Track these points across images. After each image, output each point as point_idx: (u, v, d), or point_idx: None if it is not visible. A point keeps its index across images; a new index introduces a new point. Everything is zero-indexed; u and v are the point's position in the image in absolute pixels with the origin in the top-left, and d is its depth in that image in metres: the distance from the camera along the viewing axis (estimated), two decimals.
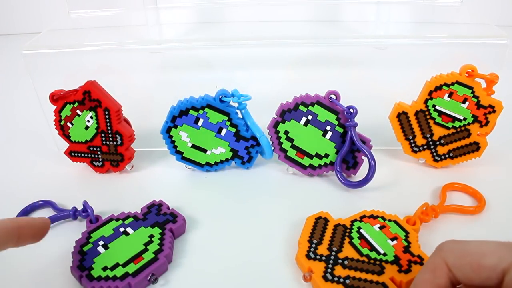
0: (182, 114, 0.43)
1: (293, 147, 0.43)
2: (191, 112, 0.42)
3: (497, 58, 0.42)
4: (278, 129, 0.43)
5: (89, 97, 0.42)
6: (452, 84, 0.41)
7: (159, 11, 0.69)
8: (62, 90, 0.44)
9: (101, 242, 0.35)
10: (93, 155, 0.45)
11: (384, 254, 0.33)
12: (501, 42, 0.42)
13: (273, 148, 0.44)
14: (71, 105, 0.43)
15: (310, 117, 0.42)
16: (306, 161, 0.44)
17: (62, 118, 0.44)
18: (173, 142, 0.44)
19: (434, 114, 0.42)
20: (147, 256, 0.34)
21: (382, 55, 0.57)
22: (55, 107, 0.44)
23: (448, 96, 0.41)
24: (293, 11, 0.78)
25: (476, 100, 0.41)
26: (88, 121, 0.43)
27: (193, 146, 0.44)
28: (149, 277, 0.32)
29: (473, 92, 0.40)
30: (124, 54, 0.48)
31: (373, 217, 0.37)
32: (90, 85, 0.42)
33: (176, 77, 0.63)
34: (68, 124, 0.44)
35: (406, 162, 0.46)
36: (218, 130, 0.43)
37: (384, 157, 0.46)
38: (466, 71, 0.40)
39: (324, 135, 0.43)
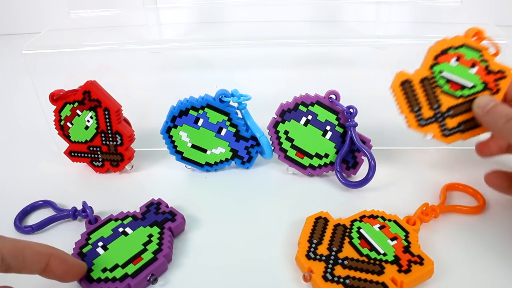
0: (182, 114, 0.43)
1: (293, 147, 0.43)
2: (191, 112, 0.42)
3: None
4: (278, 129, 0.43)
5: (89, 97, 0.42)
6: (460, 47, 0.38)
7: (159, 11, 0.69)
8: (62, 90, 0.44)
9: (100, 243, 0.35)
10: (93, 155, 0.45)
11: (384, 254, 0.33)
12: (501, 42, 0.42)
13: (273, 148, 0.44)
14: (71, 105, 0.43)
15: (310, 117, 0.42)
16: (306, 161, 0.43)
17: (62, 118, 0.44)
18: (173, 142, 0.44)
19: (441, 82, 0.38)
20: (146, 256, 0.33)
21: (382, 55, 0.57)
22: (55, 107, 0.44)
23: (456, 60, 0.38)
24: (293, 11, 0.78)
25: (485, 65, 0.37)
26: (88, 121, 0.43)
27: (193, 146, 0.44)
28: (148, 278, 0.32)
29: (481, 56, 0.37)
30: (124, 54, 0.48)
31: (373, 217, 0.37)
32: (90, 85, 0.42)
33: (176, 77, 0.63)
34: (68, 124, 0.44)
35: (406, 162, 0.46)
36: (218, 130, 0.43)
37: (384, 157, 0.46)
38: (472, 34, 0.38)
39: (324, 135, 0.43)
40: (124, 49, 0.45)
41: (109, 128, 0.43)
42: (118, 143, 0.44)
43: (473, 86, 0.38)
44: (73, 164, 0.46)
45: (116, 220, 0.37)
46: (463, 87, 0.38)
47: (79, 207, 0.39)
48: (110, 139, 0.44)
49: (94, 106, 0.43)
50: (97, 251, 0.34)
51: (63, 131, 0.45)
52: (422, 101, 0.39)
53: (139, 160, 0.47)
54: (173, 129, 0.43)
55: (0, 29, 0.88)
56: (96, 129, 0.44)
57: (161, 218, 0.37)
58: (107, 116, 0.43)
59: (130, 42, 0.46)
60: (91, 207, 0.38)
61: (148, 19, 0.68)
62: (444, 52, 0.38)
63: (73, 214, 0.39)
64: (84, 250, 0.34)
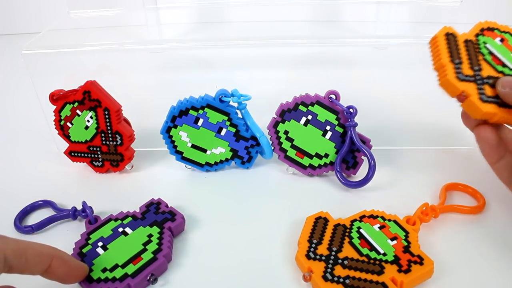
0: (182, 114, 0.43)
1: (293, 147, 0.43)
2: (191, 112, 0.42)
3: None
4: (278, 129, 0.43)
5: (89, 97, 0.42)
6: (505, 32, 0.37)
7: (159, 11, 0.69)
8: (62, 90, 0.44)
9: (100, 243, 0.35)
10: (93, 155, 0.45)
11: (384, 254, 0.33)
12: None
13: (273, 148, 0.44)
14: (71, 105, 0.43)
15: (310, 117, 0.42)
16: (306, 161, 0.43)
17: (62, 118, 0.44)
18: (173, 142, 0.44)
19: (484, 51, 0.37)
20: (146, 256, 0.33)
21: (382, 55, 0.57)
22: (55, 107, 0.44)
23: (500, 41, 0.37)
24: (293, 11, 0.78)
25: None
26: (88, 121, 0.43)
27: (193, 146, 0.44)
28: (148, 277, 0.32)
29: None
30: (124, 54, 0.48)
31: (373, 217, 0.37)
32: (90, 85, 0.42)
33: (176, 77, 0.63)
34: (68, 124, 0.44)
35: (406, 162, 0.46)
36: (218, 130, 0.43)
37: (384, 157, 0.46)
38: None
39: (324, 135, 0.43)
40: (124, 49, 0.45)
41: (109, 128, 0.43)
42: (118, 143, 0.44)
43: None
44: (73, 164, 0.46)
45: (116, 220, 0.37)
46: (504, 65, 0.36)
47: (79, 207, 0.39)
48: (110, 139, 0.44)
49: (94, 106, 0.43)
50: (97, 251, 0.34)
51: (63, 131, 0.45)
52: (464, 58, 0.36)
53: (139, 160, 0.47)
54: (173, 129, 0.43)
55: (0, 29, 0.88)
56: (96, 129, 0.44)
57: (161, 218, 0.37)
58: (107, 116, 0.43)
59: (130, 42, 0.46)
60: (91, 207, 0.38)
61: (148, 19, 0.68)
62: (491, 29, 0.37)
63: (73, 214, 0.39)
64: (84, 250, 0.34)
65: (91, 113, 0.43)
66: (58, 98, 0.44)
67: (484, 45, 0.37)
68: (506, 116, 0.35)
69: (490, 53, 0.37)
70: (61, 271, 0.30)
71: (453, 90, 0.35)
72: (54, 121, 0.45)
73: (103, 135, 0.44)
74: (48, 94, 0.43)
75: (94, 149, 0.45)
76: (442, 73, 0.36)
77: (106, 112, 0.42)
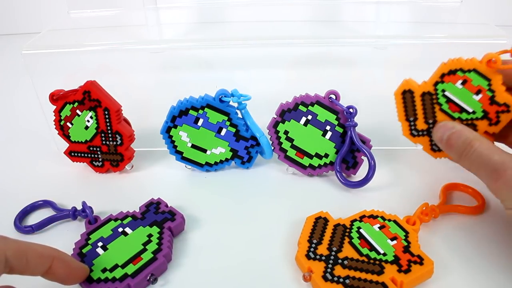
0: (182, 114, 0.43)
1: (293, 147, 0.43)
2: (191, 112, 0.42)
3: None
4: (278, 129, 0.43)
5: (89, 97, 0.42)
6: (469, 71, 0.36)
7: (159, 11, 0.69)
8: (62, 90, 0.44)
9: (100, 243, 0.35)
10: (93, 155, 0.45)
11: (384, 254, 0.33)
12: (501, 42, 0.42)
13: (273, 148, 0.44)
14: (71, 105, 0.43)
15: (310, 117, 0.42)
16: (306, 161, 0.43)
17: (62, 118, 0.44)
18: (173, 142, 0.44)
19: (442, 100, 0.37)
20: (146, 256, 0.33)
21: (382, 55, 0.57)
22: (55, 107, 0.44)
23: (461, 84, 0.36)
24: (293, 11, 0.78)
25: (491, 94, 0.36)
26: (88, 121, 0.43)
27: (193, 146, 0.44)
28: (148, 277, 0.32)
29: (489, 85, 0.36)
30: (124, 54, 0.48)
31: (373, 217, 0.37)
32: (90, 85, 0.42)
33: (176, 77, 0.63)
34: (68, 124, 0.44)
35: (406, 162, 0.46)
36: (218, 130, 0.43)
37: (384, 157, 0.46)
38: (487, 60, 0.35)
39: (324, 135, 0.43)
40: (124, 49, 0.46)
41: (109, 128, 0.43)
42: (118, 143, 0.44)
43: (473, 112, 0.37)
44: (73, 164, 0.46)
45: (115, 220, 0.37)
46: (462, 110, 0.37)
47: (79, 207, 0.39)
48: (110, 139, 0.44)
49: (94, 106, 0.43)
50: (97, 251, 0.34)
51: (63, 131, 0.45)
52: (419, 113, 0.39)
53: (139, 160, 0.47)
54: (173, 129, 0.43)
55: (0, 29, 0.88)
56: (96, 129, 0.43)
57: (160, 217, 0.37)
58: (107, 116, 0.43)
59: (130, 42, 0.46)
60: (90, 207, 0.38)
61: (148, 19, 0.68)
62: (452, 72, 0.37)
63: (73, 214, 0.39)
64: (84, 250, 0.34)
65: (91, 113, 0.43)
66: (58, 98, 0.44)
67: (443, 94, 0.37)
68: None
69: (448, 101, 0.37)
70: (62, 272, 0.30)
71: (412, 141, 0.40)
72: (54, 121, 0.45)
73: (103, 135, 0.44)
74: (48, 94, 0.43)
75: (94, 149, 0.45)
76: (402, 128, 0.41)
77: (106, 112, 0.42)
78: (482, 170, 0.33)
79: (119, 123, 0.43)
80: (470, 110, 0.37)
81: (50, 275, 0.30)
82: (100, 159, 0.45)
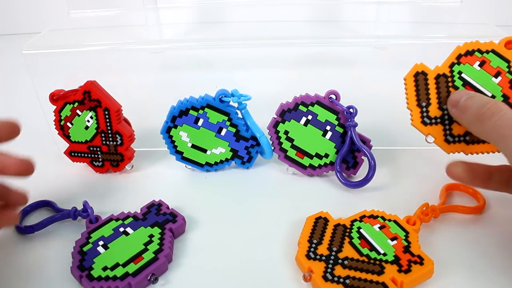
0: (182, 114, 0.43)
1: (293, 147, 0.43)
2: (191, 112, 0.42)
3: None
4: (278, 129, 0.43)
5: (89, 97, 0.43)
6: (487, 52, 0.34)
7: (159, 11, 0.69)
8: (62, 90, 0.44)
9: (101, 242, 0.35)
10: (93, 155, 0.45)
11: (384, 254, 0.33)
12: None
13: (273, 148, 0.44)
14: (71, 105, 0.43)
15: (310, 117, 0.42)
16: (306, 161, 0.44)
17: (62, 118, 0.44)
18: (173, 142, 0.44)
19: (458, 83, 0.35)
20: (147, 256, 0.34)
21: (382, 55, 0.57)
22: (55, 107, 0.44)
23: (479, 65, 0.35)
24: (293, 11, 0.78)
25: (511, 77, 0.34)
26: (88, 121, 0.43)
27: (193, 146, 0.44)
28: (149, 277, 0.32)
29: (509, 67, 0.34)
30: (124, 54, 0.48)
31: (373, 217, 0.37)
32: (90, 85, 0.42)
33: (176, 77, 0.63)
34: (68, 124, 0.44)
35: (406, 162, 0.46)
36: (218, 130, 0.43)
37: (384, 157, 0.46)
38: (506, 42, 0.34)
39: (324, 135, 0.43)
40: (124, 49, 0.46)
41: (109, 128, 0.43)
42: (118, 143, 0.44)
43: (492, 96, 0.35)
44: (73, 164, 0.46)
45: (117, 220, 0.37)
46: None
47: (79, 207, 0.39)
48: (110, 139, 0.44)
49: (94, 106, 0.43)
50: (98, 250, 0.34)
51: (63, 131, 0.45)
52: (433, 97, 0.36)
53: (139, 160, 0.47)
54: (173, 129, 0.43)
55: (0, 29, 0.88)
56: (96, 129, 0.44)
57: (162, 219, 0.37)
58: (107, 116, 0.43)
59: (130, 42, 0.46)
60: (91, 207, 0.38)
61: (148, 19, 0.68)
62: (469, 53, 0.35)
63: (73, 214, 0.39)
64: (85, 249, 0.34)
65: (91, 113, 0.43)
66: (58, 98, 0.44)
67: (459, 76, 0.35)
68: (477, 151, 0.36)
69: (465, 84, 0.35)
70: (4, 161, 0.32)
71: (422, 132, 0.36)
72: (54, 121, 0.45)
73: (103, 135, 0.44)
74: (48, 94, 0.44)
75: (94, 149, 0.45)
76: (411, 117, 0.37)
77: (106, 112, 0.43)
78: (510, 138, 0.29)
79: (119, 123, 0.43)
80: (489, 94, 0.35)
81: None
82: (100, 159, 0.45)
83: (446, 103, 0.35)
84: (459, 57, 0.35)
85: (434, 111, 0.36)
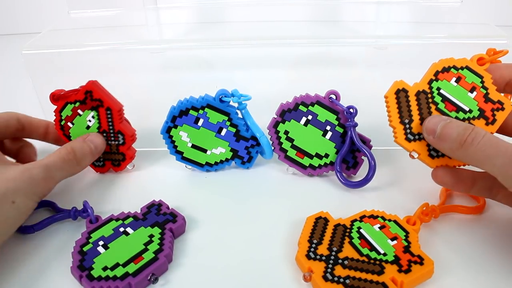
0: (182, 114, 0.43)
1: (293, 147, 0.43)
2: (191, 112, 0.42)
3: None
4: (278, 129, 0.43)
5: (91, 97, 0.43)
6: (462, 68, 0.36)
7: (159, 11, 0.69)
8: (62, 90, 0.44)
9: (101, 242, 0.35)
10: None
11: (384, 254, 0.33)
12: (501, 42, 0.42)
13: (273, 148, 0.44)
14: (72, 105, 0.43)
15: (310, 117, 0.42)
16: (306, 161, 0.44)
17: (63, 118, 0.44)
18: (173, 142, 0.44)
19: (438, 99, 0.36)
20: (147, 256, 0.34)
21: (382, 55, 0.57)
22: (56, 107, 0.44)
23: (456, 81, 0.36)
24: (293, 11, 0.78)
25: (484, 91, 0.36)
26: (90, 120, 0.43)
27: (193, 146, 0.44)
28: (149, 277, 0.32)
29: (482, 82, 0.36)
30: (124, 54, 0.48)
31: (373, 217, 0.37)
32: (92, 85, 0.42)
33: (176, 77, 0.63)
34: (69, 124, 0.44)
35: (406, 162, 0.46)
36: (218, 130, 0.43)
37: (384, 157, 0.46)
38: (477, 58, 0.36)
39: (324, 135, 0.43)
40: (124, 49, 0.46)
41: (111, 127, 0.43)
42: (120, 142, 0.44)
43: (470, 111, 0.36)
44: None
45: (117, 220, 0.37)
46: (458, 109, 0.37)
47: (79, 207, 0.39)
48: (112, 138, 0.44)
49: (96, 105, 0.43)
50: (98, 250, 0.34)
51: (64, 131, 0.45)
52: (415, 114, 0.37)
53: (139, 160, 0.47)
54: (173, 129, 0.43)
55: (0, 29, 0.88)
56: (98, 129, 0.44)
57: (162, 219, 0.37)
58: (109, 116, 0.43)
59: (130, 42, 0.46)
60: (91, 207, 0.38)
61: (148, 19, 0.68)
62: (446, 70, 0.37)
63: (74, 214, 0.39)
64: (85, 249, 0.34)
65: (92, 113, 0.43)
66: (59, 98, 0.44)
67: (438, 92, 0.37)
68: (461, 163, 0.37)
69: (444, 99, 0.37)
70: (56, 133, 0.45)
71: (406, 149, 0.37)
72: (54, 121, 0.45)
73: (105, 134, 0.44)
74: (48, 94, 0.43)
75: None
76: (394, 134, 0.37)
77: (108, 112, 0.43)
78: (496, 157, 0.31)
79: (121, 122, 0.43)
80: (467, 108, 0.36)
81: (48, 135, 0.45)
82: (101, 159, 0.45)
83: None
84: (436, 73, 0.37)
85: (416, 127, 0.37)
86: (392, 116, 0.37)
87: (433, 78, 0.37)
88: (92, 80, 0.43)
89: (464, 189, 0.37)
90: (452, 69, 0.37)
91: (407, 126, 0.37)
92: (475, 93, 0.36)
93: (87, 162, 0.42)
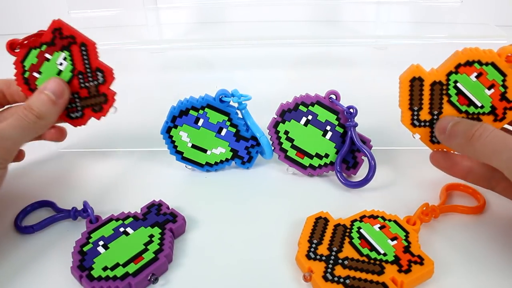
0: (182, 114, 0.43)
1: (293, 147, 0.43)
2: (191, 112, 0.42)
3: None
4: (278, 129, 0.43)
5: (60, 35, 0.37)
6: (486, 64, 0.35)
7: (159, 11, 0.69)
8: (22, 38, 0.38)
9: (101, 242, 0.35)
10: (69, 106, 0.39)
11: (384, 254, 0.33)
12: (501, 42, 0.42)
13: (273, 148, 0.44)
14: (38, 50, 0.38)
15: (310, 117, 0.42)
16: (306, 161, 0.44)
17: (26, 68, 0.38)
18: (173, 142, 0.44)
19: (452, 91, 0.36)
20: (147, 256, 0.34)
21: (382, 55, 0.57)
22: (15, 58, 0.38)
23: (476, 77, 0.35)
24: (293, 11, 0.78)
25: (503, 90, 0.35)
26: (61, 64, 0.38)
27: (193, 146, 0.44)
28: (149, 277, 0.32)
29: (504, 81, 0.35)
30: (124, 54, 0.48)
31: (373, 217, 0.37)
32: (60, 22, 0.37)
33: (176, 77, 0.63)
34: (35, 74, 0.38)
35: (406, 162, 0.46)
36: (218, 130, 0.43)
37: (384, 157, 0.46)
38: (506, 54, 0.35)
39: (324, 135, 0.43)
40: (124, 49, 0.46)
41: (87, 66, 0.38)
42: (100, 81, 0.38)
43: (481, 106, 0.36)
44: (73, 164, 0.46)
45: (117, 220, 0.37)
46: (470, 104, 0.36)
47: (79, 207, 0.39)
48: (90, 78, 0.38)
49: (68, 44, 0.37)
50: (98, 250, 0.34)
51: (29, 85, 0.38)
52: (425, 103, 0.37)
53: (139, 160, 0.47)
54: (173, 129, 0.43)
55: (0, 29, 0.88)
56: (72, 71, 0.38)
57: (162, 219, 0.37)
58: (84, 53, 0.37)
59: (130, 42, 0.46)
60: (91, 207, 0.38)
61: (148, 19, 0.68)
62: (469, 64, 0.35)
63: (73, 214, 0.39)
64: (85, 249, 0.34)
65: (64, 54, 0.37)
66: (21, 47, 0.38)
67: (454, 85, 0.36)
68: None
69: (458, 93, 0.36)
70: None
71: (409, 130, 0.39)
72: (15, 75, 0.38)
73: (81, 76, 0.38)
74: (5, 43, 0.38)
75: (71, 97, 0.39)
76: (401, 114, 0.38)
77: (83, 48, 0.37)
78: (503, 152, 0.31)
79: (98, 58, 0.38)
80: (479, 104, 0.36)
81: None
82: (79, 108, 0.39)
83: (437, 110, 0.37)
84: (458, 66, 0.36)
85: (424, 115, 0.37)
86: (402, 100, 0.38)
87: (453, 70, 0.36)
88: (57, 18, 0.38)
89: (460, 174, 0.38)
90: (476, 64, 0.35)
91: (415, 113, 0.38)
92: (492, 90, 0.35)
93: (50, 114, 0.36)
